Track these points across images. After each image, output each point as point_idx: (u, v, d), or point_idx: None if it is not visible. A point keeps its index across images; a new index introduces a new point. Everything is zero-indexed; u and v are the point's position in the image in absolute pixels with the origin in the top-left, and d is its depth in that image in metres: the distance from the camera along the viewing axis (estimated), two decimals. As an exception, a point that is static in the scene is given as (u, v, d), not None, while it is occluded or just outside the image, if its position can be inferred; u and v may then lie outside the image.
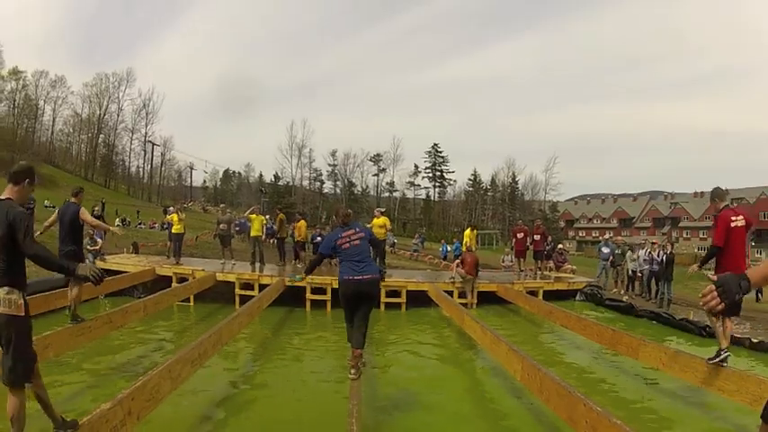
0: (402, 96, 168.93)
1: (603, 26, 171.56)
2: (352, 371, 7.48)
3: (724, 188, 8.35)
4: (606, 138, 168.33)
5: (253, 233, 20.03)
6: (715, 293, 2.69)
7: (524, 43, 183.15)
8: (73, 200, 9.46)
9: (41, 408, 4.59)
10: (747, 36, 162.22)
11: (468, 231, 19.88)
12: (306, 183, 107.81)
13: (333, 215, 9.35)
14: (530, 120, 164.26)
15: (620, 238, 21.23)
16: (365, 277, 7.42)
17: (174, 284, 15.69)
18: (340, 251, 7.63)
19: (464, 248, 19.07)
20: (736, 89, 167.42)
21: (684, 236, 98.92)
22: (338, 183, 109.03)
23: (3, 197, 4.52)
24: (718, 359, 7.35)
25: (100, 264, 16.80)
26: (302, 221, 22.06)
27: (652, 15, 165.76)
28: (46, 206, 39.84)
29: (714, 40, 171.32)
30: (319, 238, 21.51)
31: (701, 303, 2.80)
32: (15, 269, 4.36)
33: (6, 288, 4.28)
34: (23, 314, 4.37)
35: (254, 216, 19.99)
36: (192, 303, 15.25)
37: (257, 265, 19.26)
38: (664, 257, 16.52)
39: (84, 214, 9.31)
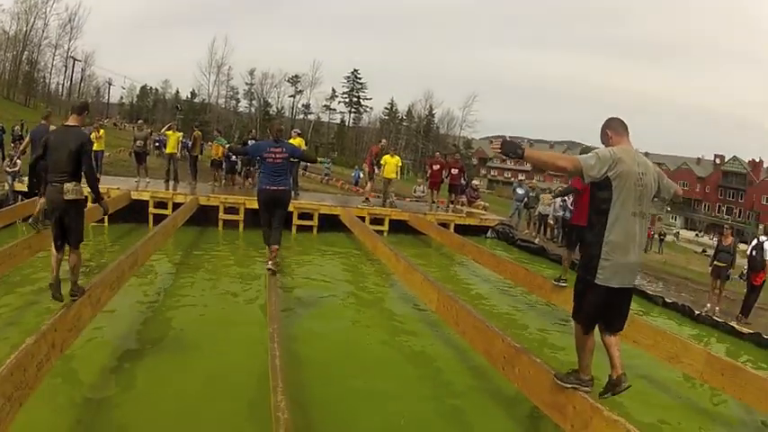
0: (329, 17, 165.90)
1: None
2: (270, 263, 8.91)
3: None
4: (531, 83, 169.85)
5: (168, 150, 19.29)
6: (498, 145, 4.92)
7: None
8: (43, 122, 10.84)
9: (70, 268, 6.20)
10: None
11: (388, 157, 18.84)
12: (222, 101, 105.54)
13: (267, 130, 10.15)
14: (455, 53, 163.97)
15: (533, 181, 21.38)
16: (279, 188, 9.01)
17: (88, 204, 14.83)
18: (263, 162, 9.06)
19: (385, 175, 18.55)
20: (681, 58, 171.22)
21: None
22: (254, 102, 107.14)
23: (71, 124, 6.30)
24: (558, 282, 9.08)
25: (18, 186, 15.93)
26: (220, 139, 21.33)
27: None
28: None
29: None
30: (234, 157, 20.96)
31: (491, 147, 6.15)
32: (78, 171, 6.09)
33: (74, 182, 6.04)
34: (83, 198, 6.25)
35: (170, 133, 19.25)
36: (106, 224, 14.35)
37: (171, 183, 18.50)
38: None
39: None
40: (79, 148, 6.02)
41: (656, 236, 41.65)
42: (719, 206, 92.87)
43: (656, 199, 4.56)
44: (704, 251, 46.41)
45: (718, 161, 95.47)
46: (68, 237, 6.18)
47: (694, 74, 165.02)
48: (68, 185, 5.98)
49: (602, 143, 4.56)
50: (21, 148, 11.97)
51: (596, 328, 4.54)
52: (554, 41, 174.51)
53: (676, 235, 67.25)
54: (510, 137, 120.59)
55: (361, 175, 35.32)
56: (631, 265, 4.31)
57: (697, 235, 76.45)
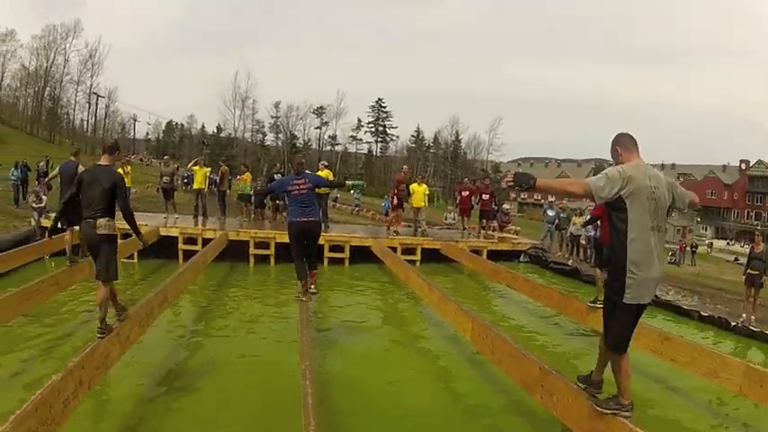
0: (350, 46, 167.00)
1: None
2: (312, 287, 9.31)
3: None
4: (557, 101, 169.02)
5: (195, 185, 19.42)
6: (511, 178, 4.27)
7: None
8: (72, 158, 11.03)
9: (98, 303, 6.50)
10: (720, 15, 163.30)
11: (415, 186, 18.87)
12: (248, 135, 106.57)
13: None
14: (478, 77, 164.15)
15: (563, 202, 21.23)
16: (310, 219, 9.01)
17: (118, 241, 14.92)
18: (289, 196, 9.13)
19: (414, 204, 18.66)
20: (699, 65, 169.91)
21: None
22: (280, 135, 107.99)
23: (103, 163, 6.81)
24: (593, 304, 9.07)
25: (45, 221, 16.21)
26: (247, 174, 21.44)
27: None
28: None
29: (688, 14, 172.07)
30: (262, 192, 21.17)
31: (504, 180, 4.52)
32: (112, 208, 6.56)
33: (107, 218, 6.49)
34: (115, 233, 6.69)
35: (197, 168, 19.40)
36: (135, 260, 14.58)
37: (200, 218, 18.71)
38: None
39: None
40: (112, 186, 6.53)
41: (687, 248, 41.45)
42: (748, 212, 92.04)
43: (674, 210, 4.72)
44: (736, 260, 45.81)
45: (743, 166, 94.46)
46: (98, 270, 6.57)
47: (714, 78, 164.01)
48: (101, 221, 6.46)
49: (613, 159, 4.67)
50: (48, 178, 12.75)
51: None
52: (574, 55, 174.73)
53: (710, 245, 66.11)
54: (526, 164, 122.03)
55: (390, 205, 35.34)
56: (656, 280, 4.43)
57: (728, 243, 75.27)
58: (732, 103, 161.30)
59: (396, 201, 18.79)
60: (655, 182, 4.36)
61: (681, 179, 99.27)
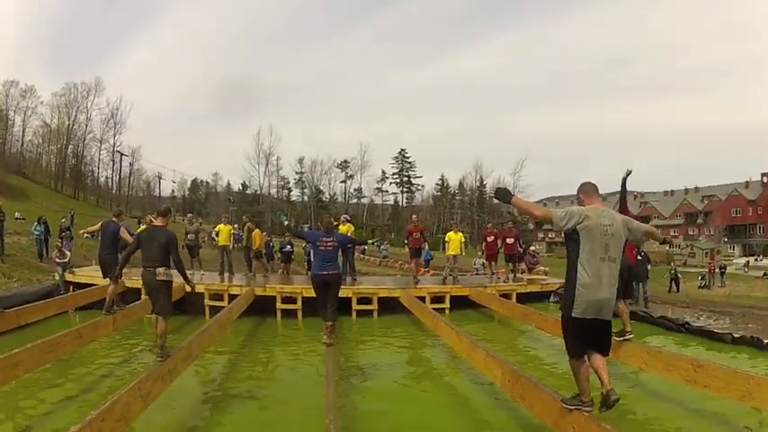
0: (370, 102, 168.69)
1: (574, 26, 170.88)
2: (326, 338, 10.53)
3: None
4: (575, 138, 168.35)
5: (220, 242, 19.59)
6: (493, 193, 5.79)
7: (495, 43, 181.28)
8: (114, 219, 12.29)
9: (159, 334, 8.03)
10: (728, 33, 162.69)
11: (452, 234, 19.18)
12: (274, 191, 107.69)
13: (318, 222, 11.96)
14: (499, 122, 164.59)
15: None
16: (330, 273, 10.65)
17: (143, 297, 15.07)
18: (316, 250, 10.66)
19: (450, 252, 18.89)
20: (711, 87, 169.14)
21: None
22: (306, 190, 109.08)
23: (158, 224, 8.61)
24: (623, 337, 8.97)
25: (69, 276, 16.51)
26: (256, 230, 21.66)
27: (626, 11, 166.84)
28: (17, 218, 37.53)
29: (694, 37, 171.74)
30: (288, 247, 21.44)
31: (491, 195, 7.29)
32: (167, 260, 8.14)
33: (164, 267, 8.10)
34: (171, 279, 8.26)
35: (221, 225, 19.63)
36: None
37: (226, 275, 18.81)
38: (638, 256, 16.34)
39: (123, 233, 12.03)
40: (167, 243, 8.12)
41: (717, 270, 41.26)
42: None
43: (634, 241, 5.93)
44: (765, 275, 45.70)
45: (765, 179, 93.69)
46: (156, 308, 8.18)
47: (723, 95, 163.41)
48: (160, 270, 8.08)
49: (578, 203, 5.75)
50: (92, 229, 12.96)
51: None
52: (591, 92, 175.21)
53: (746, 264, 64.44)
54: (551, 203, 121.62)
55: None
56: (601, 301, 5.24)
57: (756, 259, 73.56)
58: (744, 116, 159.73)
59: (409, 251, 18.97)
60: (608, 220, 5.34)
61: (705, 201, 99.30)
